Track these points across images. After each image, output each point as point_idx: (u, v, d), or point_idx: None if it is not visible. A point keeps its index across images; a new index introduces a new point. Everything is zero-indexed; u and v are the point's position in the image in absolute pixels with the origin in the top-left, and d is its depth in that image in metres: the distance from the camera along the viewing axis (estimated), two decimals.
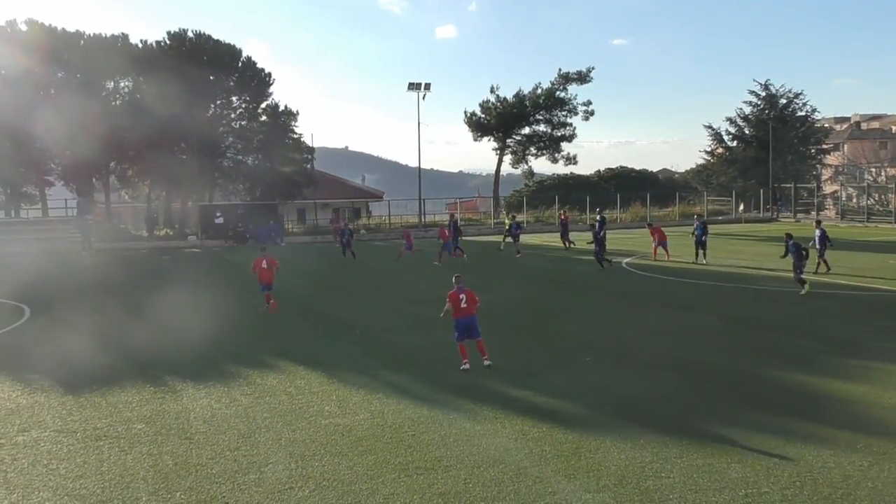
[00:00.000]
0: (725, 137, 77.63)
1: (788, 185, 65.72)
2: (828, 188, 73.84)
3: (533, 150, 75.99)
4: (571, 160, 75.53)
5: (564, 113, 74.24)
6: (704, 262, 31.25)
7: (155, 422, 12.14)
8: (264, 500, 9.14)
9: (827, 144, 78.73)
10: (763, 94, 74.74)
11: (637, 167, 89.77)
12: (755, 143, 73.45)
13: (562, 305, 22.97)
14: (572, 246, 39.22)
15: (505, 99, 73.71)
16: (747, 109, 75.71)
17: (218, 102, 59.77)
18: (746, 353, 15.89)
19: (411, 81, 60.44)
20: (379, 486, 9.44)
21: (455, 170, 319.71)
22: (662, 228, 34.76)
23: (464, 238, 40.53)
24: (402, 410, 12.41)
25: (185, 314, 20.93)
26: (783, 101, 74.66)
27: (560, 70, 73.30)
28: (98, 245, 46.15)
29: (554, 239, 44.30)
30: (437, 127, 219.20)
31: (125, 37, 57.07)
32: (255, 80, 60.02)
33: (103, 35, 56.57)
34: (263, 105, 60.88)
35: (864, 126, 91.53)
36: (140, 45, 57.09)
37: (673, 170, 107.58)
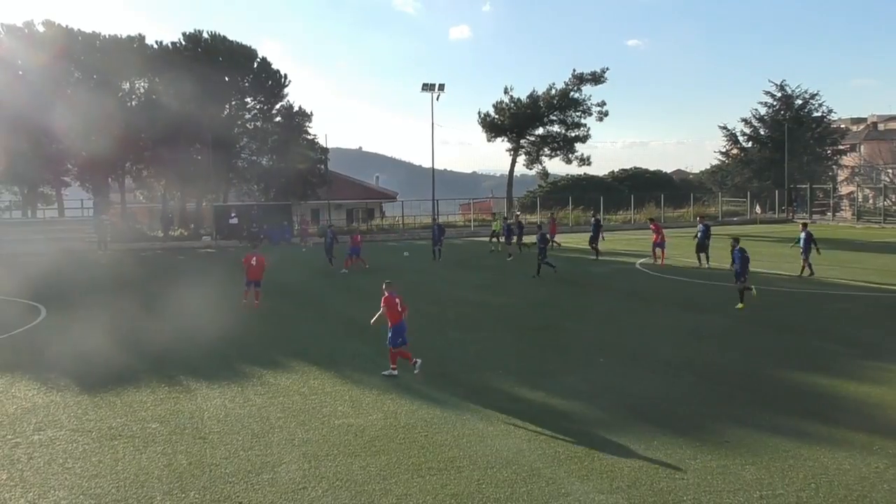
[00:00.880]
0: (741, 138, 77.29)
1: (804, 186, 65.30)
2: (844, 189, 73.25)
3: (547, 150, 75.75)
4: (585, 161, 75.17)
5: (578, 113, 73.93)
6: (707, 266, 29.94)
7: (169, 421, 12.21)
8: (278, 500, 9.18)
9: (843, 145, 78.13)
10: (779, 94, 74.32)
11: (651, 168, 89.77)
12: (771, 144, 73.01)
13: (575, 306, 22.92)
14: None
15: (519, 99, 73.53)
16: (763, 110, 75.36)
17: (233, 103, 59.94)
18: (762, 355, 15.80)
19: (425, 82, 60.41)
20: (392, 487, 9.45)
21: (469, 171, 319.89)
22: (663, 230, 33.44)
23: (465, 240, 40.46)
24: (415, 411, 12.42)
25: (199, 314, 21.04)
26: (799, 101, 74.20)
27: (574, 71, 72.95)
28: (114, 245, 46.41)
29: (566, 240, 44.24)
30: (450, 128, 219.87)
31: (141, 38, 57.36)
32: (270, 81, 60.19)
33: (119, 36, 56.86)
34: (278, 106, 61.03)
35: (881, 127, 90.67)
36: (156, 46, 57.34)
37: (687, 170, 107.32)
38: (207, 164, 55.82)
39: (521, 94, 75.14)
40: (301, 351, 17.12)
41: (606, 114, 74.06)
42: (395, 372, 14.54)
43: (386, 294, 14.69)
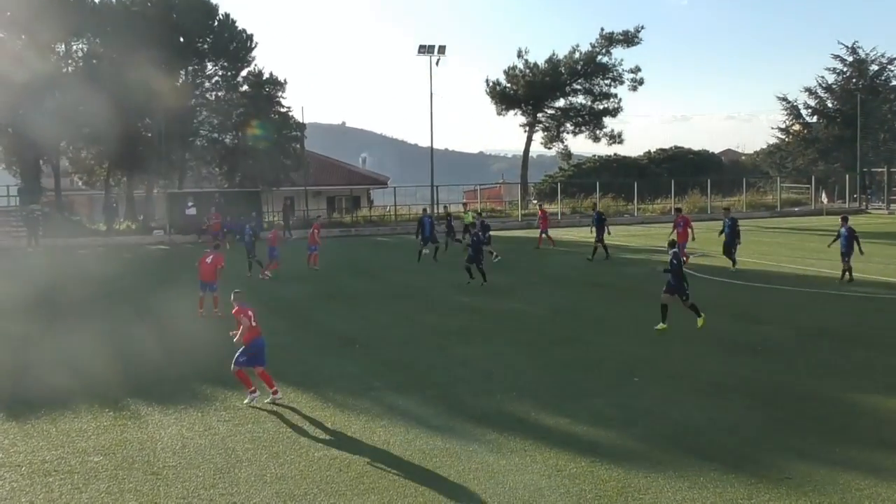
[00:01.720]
0: (804, 112, 77.32)
1: (880, 170, 65.32)
2: None
3: (569, 126, 75.88)
4: (616, 138, 75.38)
5: (608, 82, 74.09)
6: (734, 268, 29.84)
7: (115, 454, 12.22)
8: None
9: None
10: (850, 59, 74.25)
11: (695, 147, 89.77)
12: (840, 119, 73.00)
13: (603, 314, 22.94)
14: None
15: (535, 65, 73.63)
16: (830, 78, 75.39)
17: (189, 69, 59.94)
18: (828, 374, 15.81)
19: (422, 44, 60.46)
20: None
21: (475, 150, 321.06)
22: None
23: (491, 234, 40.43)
24: (412, 441, 12.44)
25: (150, 325, 21.06)
26: (875, 67, 74.22)
27: (603, 30, 73.18)
28: (46, 240, 46.47)
29: (586, 235, 44.17)
30: (453, 99, 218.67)
31: None
32: (235, 43, 60.18)
33: None
34: (244, 73, 61.11)
35: None
36: (97, 1, 57.36)
37: (739, 151, 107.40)
38: (159, 142, 55.85)
39: (539, 58, 75.54)
40: (274, 369, 17.11)
41: (641, 82, 74.28)
42: (257, 393, 14.66)
43: (236, 307, 14.88)
